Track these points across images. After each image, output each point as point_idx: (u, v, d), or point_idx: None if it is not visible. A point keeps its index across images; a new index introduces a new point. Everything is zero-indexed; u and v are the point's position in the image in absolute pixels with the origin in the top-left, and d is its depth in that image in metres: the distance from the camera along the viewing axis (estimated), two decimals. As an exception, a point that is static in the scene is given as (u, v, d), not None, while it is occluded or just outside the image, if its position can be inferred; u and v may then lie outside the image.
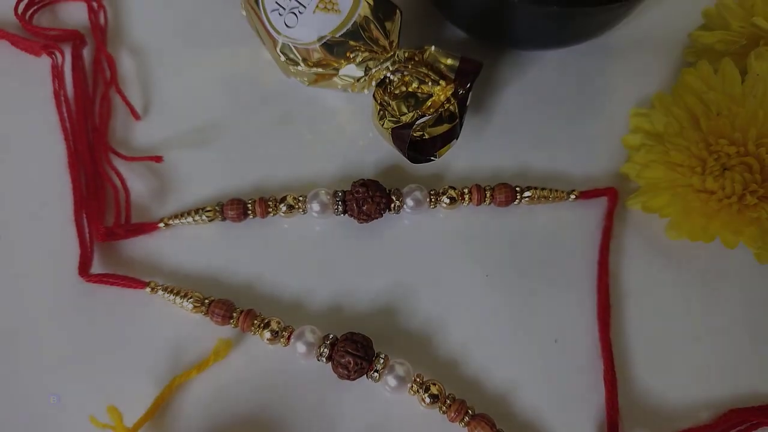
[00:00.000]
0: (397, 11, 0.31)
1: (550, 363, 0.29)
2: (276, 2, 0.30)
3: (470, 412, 0.27)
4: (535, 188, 0.31)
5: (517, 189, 0.31)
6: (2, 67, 0.35)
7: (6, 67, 0.35)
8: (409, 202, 0.31)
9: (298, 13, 0.30)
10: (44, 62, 0.35)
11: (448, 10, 0.34)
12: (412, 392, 0.27)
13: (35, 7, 0.37)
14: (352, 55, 0.31)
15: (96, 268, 0.30)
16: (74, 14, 0.37)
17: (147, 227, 0.31)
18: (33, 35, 0.35)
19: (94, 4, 0.36)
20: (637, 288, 0.30)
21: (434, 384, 0.27)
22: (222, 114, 0.34)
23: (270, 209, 0.31)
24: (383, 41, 0.31)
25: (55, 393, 0.28)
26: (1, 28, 0.35)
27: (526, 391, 0.28)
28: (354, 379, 0.28)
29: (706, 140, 0.30)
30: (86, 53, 0.35)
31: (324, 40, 0.30)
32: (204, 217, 0.31)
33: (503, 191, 0.31)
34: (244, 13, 0.33)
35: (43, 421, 0.28)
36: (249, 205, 0.31)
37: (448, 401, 0.27)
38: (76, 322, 0.29)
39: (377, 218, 0.31)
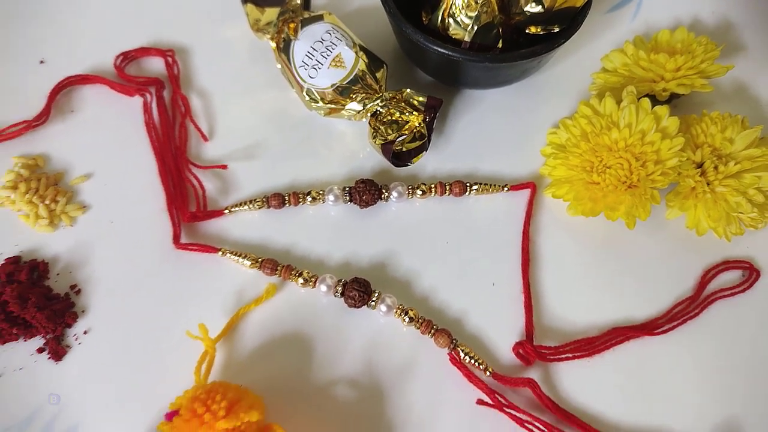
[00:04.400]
0: (384, 65, 0.46)
1: (490, 297, 0.43)
2: (302, 61, 0.45)
3: (435, 327, 0.41)
4: (480, 184, 0.46)
5: (468, 184, 0.45)
6: (104, 105, 0.49)
7: (107, 104, 0.49)
8: (394, 194, 0.45)
9: (317, 68, 0.45)
10: (134, 101, 0.49)
11: (419, 63, 0.48)
12: (396, 316, 0.42)
13: (126, 61, 0.51)
14: (354, 96, 0.45)
15: (184, 240, 0.44)
16: (154, 66, 0.51)
17: (217, 213, 0.45)
18: (127, 82, 0.50)
19: (169, 59, 0.51)
20: (549, 248, 0.44)
21: (411, 310, 0.41)
22: (264, 136, 0.48)
23: (300, 200, 0.45)
24: (375, 86, 0.45)
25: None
26: (103, 77, 0.50)
27: (473, 316, 0.42)
28: (359, 307, 0.42)
29: (593, 149, 0.44)
30: (165, 94, 0.50)
31: (335, 86, 0.44)
32: (255, 206, 0.45)
33: (458, 186, 0.45)
34: (279, 66, 0.48)
35: (160, 338, 0.41)
36: (286, 197, 0.45)
37: (420, 321, 0.41)
38: (173, 276, 0.43)
39: (373, 205, 0.45)
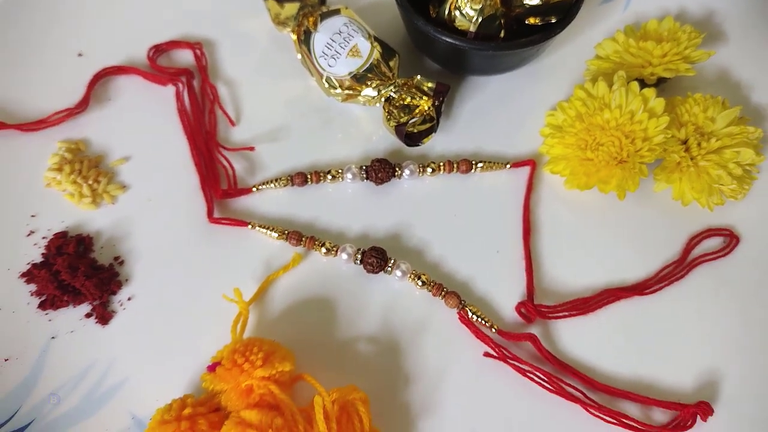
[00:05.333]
0: (397, 55, 0.50)
1: (494, 263, 0.47)
2: (322, 51, 0.49)
3: (446, 290, 0.46)
4: (485, 161, 0.50)
5: (473, 162, 0.50)
6: (139, 94, 0.53)
7: (141, 93, 0.53)
8: (407, 171, 0.50)
9: (336, 58, 0.49)
10: (166, 90, 0.54)
11: (427, 52, 0.53)
12: (410, 280, 0.46)
13: (158, 53, 0.55)
14: (369, 83, 0.49)
15: (216, 214, 0.49)
16: (183, 58, 0.56)
17: (245, 191, 0.49)
18: (159, 72, 0.54)
19: (198, 51, 0.55)
20: (548, 219, 0.49)
21: (424, 275, 0.46)
22: (286, 121, 0.52)
23: (321, 178, 0.49)
24: (388, 73, 0.49)
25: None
26: (137, 68, 0.54)
27: (479, 280, 0.47)
28: (376, 273, 0.46)
29: (587, 129, 0.48)
30: (195, 83, 0.54)
31: (352, 74, 0.49)
32: (280, 184, 0.49)
33: (464, 164, 0.50)
34: (299, 56, 0.52)
35: (197, 303, 0.46)
36: (308, 176, 0.49)
37: (432, 284, 0.46)
38: (208, 248, 0.47)
39: (387, 182, 0.50)
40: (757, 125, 0.50)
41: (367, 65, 0.49)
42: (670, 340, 0.45)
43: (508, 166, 0.50)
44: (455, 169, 0.50)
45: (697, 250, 0.48)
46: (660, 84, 0.52)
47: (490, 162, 0.50)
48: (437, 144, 0.51)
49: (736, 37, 0.56)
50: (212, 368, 0.40)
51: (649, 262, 0.48)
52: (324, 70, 0.49)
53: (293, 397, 0.41)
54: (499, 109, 0.53)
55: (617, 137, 0.47)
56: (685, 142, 0.48)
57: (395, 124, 0.48)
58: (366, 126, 0.52)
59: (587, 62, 0.53)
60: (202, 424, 0.38)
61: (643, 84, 0.49)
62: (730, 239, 0.48)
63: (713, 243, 0.49)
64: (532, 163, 0.50)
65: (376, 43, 0.49)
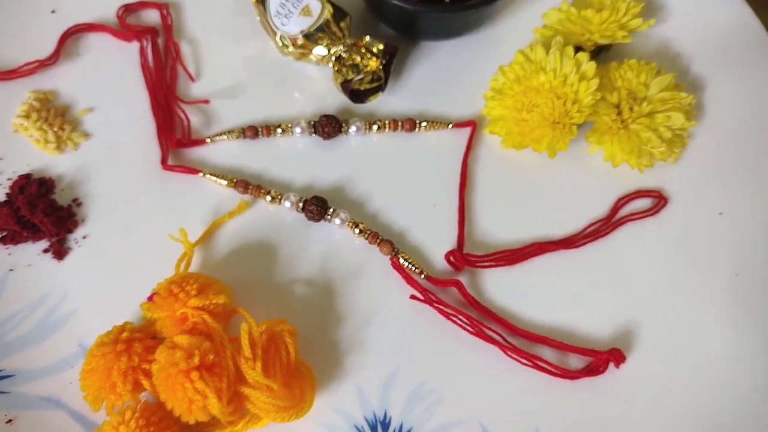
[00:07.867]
0: (348, 16, 0.52)
1: (430, 216, 0.50)
2: (276, 10, 0.52)
3: (381, 238, 0.48)
4: (428, 121, 0.52)
5: (417, 121, 0.52)
6: (106, 50, 0.56)
7: (109, 49, 0.56)
8: (353, 128, 0.52)
9: (289, 17, 0.51)
10: (132, 47, 0.56)
11: (380, 16, 0.55)
12: (348, 228, 0.48)
13: (127, 13, 0.58)
14: (320, 41, 0.52)
15: (170, 162, 0.51)
16: (150, 17, 0.58)
17: (199, 141, 0.52)
18: (126, 30, 0.57)
19: (164, 11, 0.58)
20: (485, 177, 0.51)
21: (361, 224, 0.48)
22: (243, 79, 0.55)
23: (271, 131, 0.52)
24: (339, 33, 0.52)
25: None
26: (106, 25, 0.57)
27: (415, 231, 0.49)
28: (317, 221, 0.49)
29: (524, 91, 0.50)
30: (159, 41, 0.57)
31: (304, 32, 0.51)
32: (232, 136, 0.52)
33: (409, 122, 0.52)
34: (257, 17, 0.55)
35: (147, 243, 0.49)
36: (259, 129, 0.52)
37: (369, 232, 0.48)
38: (160, 193, 0.50)
39: (334, 137, 0.52)
40: (693, 94, 0.52)
41: (318, 24, 0.51)
42: (591, 293, 0.47)
43: (451, 126, 0.52)
44: (400, 128, 0.52)
45: (626, 210, 0.50)
46: (602, 53, 0.55)
47: (433, 122, 0.52)
48: (385, 104, 0.54)
49: (679, 11, 0.58)
50: (151, 298, 0.43)
51: (578, 220, 0.50)
52: (278, 28, 0.52)
53: (229, 331, 0.44)
54: (448, 74, 0.55)
55: (550, 99, 0.49)
56: (617, 106, 0.50)
57: (342, 80, 0.51)
58: (319, 86, 0.55)
59: (534, 30, 0.55)
60: (137, 347, 0.41)
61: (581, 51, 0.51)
62: (659, 200, 0.50)
63: (643, 203, 0.51)
64: (472, 123, 0.53)
65: (327, 4, 0.52)
